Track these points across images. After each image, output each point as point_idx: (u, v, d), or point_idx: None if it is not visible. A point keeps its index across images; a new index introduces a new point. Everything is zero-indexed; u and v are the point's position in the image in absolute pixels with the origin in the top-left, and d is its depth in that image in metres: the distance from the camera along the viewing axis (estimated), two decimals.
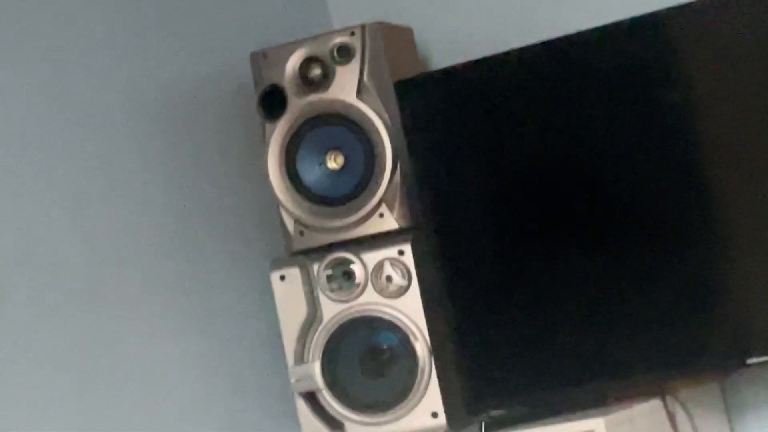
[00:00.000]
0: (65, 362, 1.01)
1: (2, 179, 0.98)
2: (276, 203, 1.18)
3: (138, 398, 1.08)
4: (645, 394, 1.12)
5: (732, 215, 1.10)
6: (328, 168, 1.16)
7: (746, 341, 1.06)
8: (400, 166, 1.13)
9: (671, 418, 1.09)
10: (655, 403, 1.10)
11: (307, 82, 1.15)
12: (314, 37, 1.17)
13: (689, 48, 1.11)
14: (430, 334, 1.11)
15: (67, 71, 1.09)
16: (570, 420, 1.07)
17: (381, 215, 1.12)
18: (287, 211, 1.15)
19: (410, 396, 1.11)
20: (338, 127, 1.14)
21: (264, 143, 1.16)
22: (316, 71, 1.15)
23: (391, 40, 1.21)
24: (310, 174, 1.16)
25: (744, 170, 1.08)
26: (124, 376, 1.07)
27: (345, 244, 1.14)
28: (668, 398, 1.10)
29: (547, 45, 1.14)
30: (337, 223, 1.14)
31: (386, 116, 1.13)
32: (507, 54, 1.15)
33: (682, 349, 1.07)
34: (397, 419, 1.12)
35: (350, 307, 1.14)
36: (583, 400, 1.12)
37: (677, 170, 1.11)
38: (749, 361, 1.04)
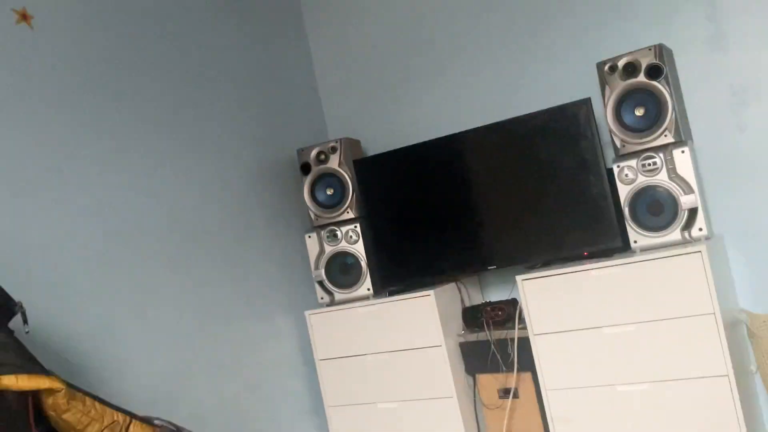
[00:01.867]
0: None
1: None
2: (308, 223, 2.88)
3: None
4: (450, 281, 2.78)
5: (487, 209, 2.79)
6: (327, 194, 2.85)
7: (488, 259, 2.73)
8: (355, 194, 2.82)
9: (460, 290, 2.77)
10: (452, 284, 2.78)
11: (318, 161, 2.85)
12: (321, 143, 2.87)
13: (481, 149, 2.82)
14: (367, 257, 2.78)
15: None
16: (421, 289, 2.71)
17: (348, 212, 2.81)
18: (311, 210, 2.84)
19: (359, 282, 2.78)
20: (331, 178, 2.83)
21: (302, 185, 2.86)
22: (322, 156, 2.84)
23: (352, 143, 2.92)
24: (320, 196, 2.84)
25: (493, 198, 2.77)
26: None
27: (334, 224, 2.82)
28: (458, 282, 2.78)
29: (431, 142, 2.77)
30: (332, 215, 2.82)
31: (351, 174, 2.82)
32: (403, 149, 2.85)
33: (464, 262, 2.75)
34: (354, 291, 2.79)
35: (334, 249, 2.81)
36: (431, 282, 2.77)
37: (476, 195, 2.80)
38: (489, 267, 2.73)
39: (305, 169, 2.82)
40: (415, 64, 3.05)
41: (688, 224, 2.23)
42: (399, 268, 2.74)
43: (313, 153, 2.82)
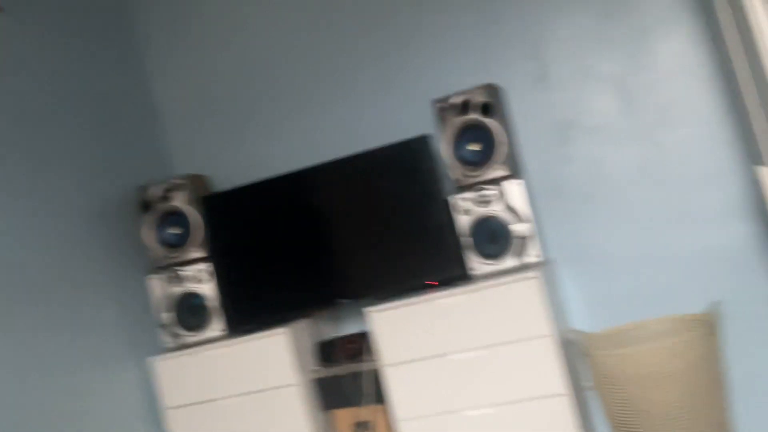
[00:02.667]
0: None
1: None
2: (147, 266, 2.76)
3: None
4: (305, 317, 2.77)
5: (336, 243, 2.81)
6: (172, 233, 2.74)
7: (340, 293, 2.74)
8: (203, 232, 2.74)
9: (314, 325, 2.76)
10: (307, 320, 2.76)
11: (162, 199, 2.73)
12: (164, 180, 2.77)
13: (328, 185, 2.83)
14: (218, 297, 2.70)
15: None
16: (275, 327, 2.67)
17: (195, 251, 2.72)
18: (154, 250, 2.72)
19: (210, 323, 2.69)
20: (177, 216, 2.72)
21: (146, 225, 2.74)
22: (166, 194, 2.74)
23: (199, 179, 2.85)
24: (165, 236, 2.72)
25: (342, 232, 2.80)
26: None
27: (180, 264, 2.72)
28: (312, 318, 2.77)
29: (279, 178, 2.74)
30: (178, 255, 2.72)
31: (198, 211, 2.74)
32: (251, 185, 2.81)
33: (317, 297, 2.74)
34: (205, 333, 2.69)
35: (182, 290, 2.71)
36: (285, 319, 2.74)
37: (324, 231, 2.81)
38: (341, 301, 2.73)
39: (145, 207, 2.71)
40: (262, 98, 3.03)
41: (523, 251, 2.36)
42: (252, 306, 2.69)
43: (156, 190, 2.72)
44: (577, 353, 2.48)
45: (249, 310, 2.69)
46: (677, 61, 2.47)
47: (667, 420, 2.17)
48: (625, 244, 2.55)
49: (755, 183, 2.36)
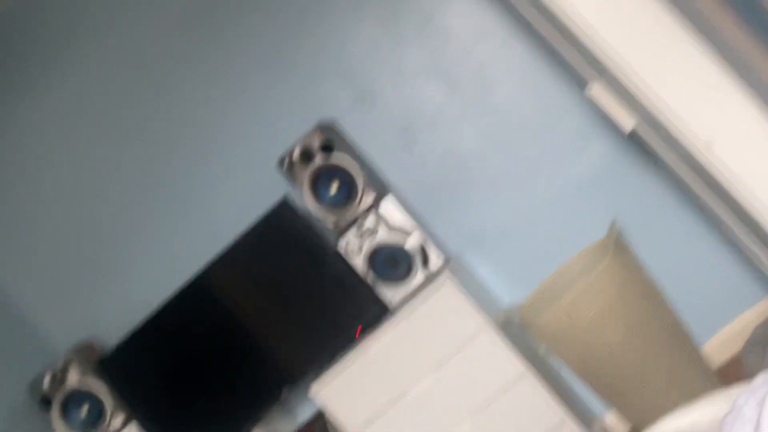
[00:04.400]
0: None
1: None
2: None
3: None
4: (257, 425, 2.59)
5: (253, 340, 2.68)
6: (82, 417, 2.53)
7: (278, 386, 2.61)
8: (115, 398, 2.53)
9: (269, 427, 2.61)
10: (260, 427, 2.61)
11: (56, 385, 2.50)
12: (50, 366, 2.54)
13: (217, 289, 2.70)
14: None
15: None
16: None
17: (113, 424, 2.51)
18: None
19: None
20: (79, 396, 2.50)
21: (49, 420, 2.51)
22: (58, 378, 2.52)
23: (87, 347, 2.63)
24: (76, 422, 2.51)
25: (254, 327, 2.68)
26: None
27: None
28: (261, 425, 2.62)
29: (166, 306, 2.56)
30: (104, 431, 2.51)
31: (99, 380, 2.54)
32: (140, 328, 2.63)
33: (258, 402, 2.60)
34: None
35: None
36: None
37: (235, 334, 2.67)
38: (282, 395, 2.60)
39: (46, 402, 2.48)
40: (108, 240, 2.87)
41: (425, 261, 2.33)
42: None
43: (46, 381, 2.49)
44: (517, 327, 2.48)
45: None
46: (470, 28, 2.55)
47: (624, 348, 2.19)
48: (508, 209, 2.59)
49: (590, 102, 2.45)
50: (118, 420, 2.48)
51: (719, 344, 2.47)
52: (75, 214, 2.89)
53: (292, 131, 2.60)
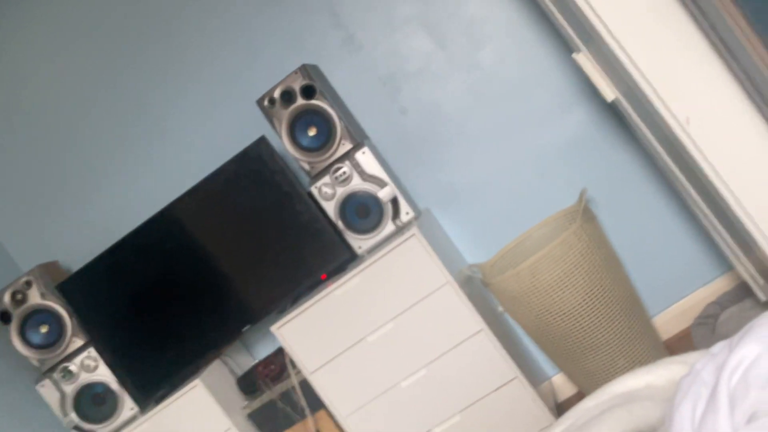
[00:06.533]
0: None
1: None
2: None
3: None
4: (214, 359, 2.64)
5: (218, 274, 2.69)
6: (42, 333, 2.53)
7: (239, 321, 2.64)
8: (74, 320, 2.54)
9: (226, 363, 2.65)
10: (217, 361, 2.65)
11: (16, 303, 2.49)
12: (11, 282, 2.52)
13: (187, 220, 2.69)
14: (117, 377, 2.51)
15: None
16: (187, 381, 2.53)
17: (73, 341, 2.51)
18: (30, 357, 2.50)
19: (119, 406, 2.51)
20: (40, 314, 2.49)
21: (8, 335, 2.50)
22: (19, 296, 2.48)
23: (49, 267, 2.62)
24: (35, 338, 2.51)
25: (219, 261, 2.68)
26: None
27: (64, 360, 2.50)
28: (221, 357, 2.66)
29: (135, 232, 2.52)
30: (57, 352, 2.51)
31: (61, 301, 2.53)
32: (107, 251, 2.61)
33: (218, 334, 2.62)
34: (117, 418, 2.52)
35: (77, 385, 2.50)
36: (195, 369, 2.61)
37: (200, 267, 2.67)
38: (243, 329, 2.63)
39: (5, 318, 2.47)
40: (86, 156, 2.82)
41: (396, 213, 2.35)
42: (155, 371, 2.53)
43: (7, 296, 2.48)
44: (479, 286, 2.53)
45: (153, 377, 2.54)
46: None
47: (579, 314, 2.26)
48: (483, 168, 2.60)
49: (577, 70, 2.46)
50: (76, 342, 2.49)
51: (670, 318, 2.56)
52: (49, 136, 2.83)
53: (276, 70, 2.57)
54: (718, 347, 0.80)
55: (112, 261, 2.52)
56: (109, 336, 2.53)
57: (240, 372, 2.65)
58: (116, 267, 2.52)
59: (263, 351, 2.78)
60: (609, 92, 2.01)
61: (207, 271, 2.51)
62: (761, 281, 2.00)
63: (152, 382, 2.53)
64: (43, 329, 2.48)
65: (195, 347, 2.54)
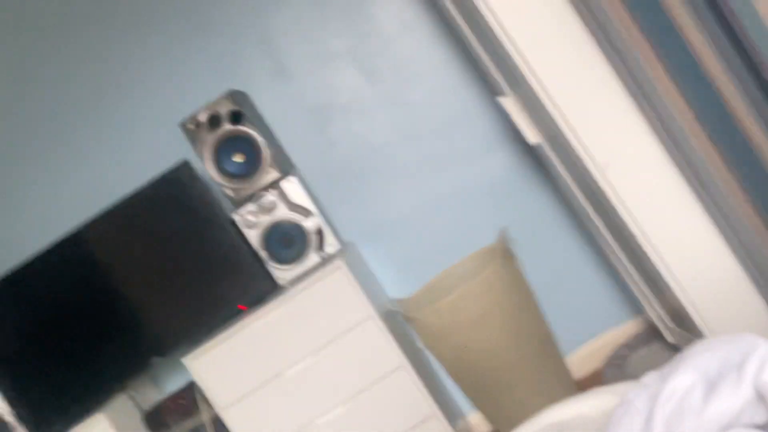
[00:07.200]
0: None
1: None
2: None
3: None
4: (120, 392, 2.48)
5: (130, 302, 2.57)
6: None
7: (148, 352, 2.52)
8: None
9: (132, 398, 2.52)
10: (123, 395, 2.50)
11: None
12: None
13: (99, 243, 2.56)
14: (13, 408, 2.34)
15: None
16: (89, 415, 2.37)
17: None
18: None
19: None
20: None
21: None
22: None
23: None
24: None
25: (132, 288, 2.56)
26: None
27: None
28: (128, 391, 2.52)
29: (40, 256, 2.35)
30: None
31: None
32: (9, 275, 2.43)
33: (124, 366, 2.48)
34: None
35: None
36: (98, 403, 2.44)
37: (111, 293, 2.54)
38: (152, 360, 2.51)
39: None
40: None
41: (321, 244, 2.33)
42: (55, 403, 2.37)
43: None
44: (401, 321, 2.53)
45: (52, 409, 2.37)
46: (397, 21, 2.56)
47: (497, 352, 2.29)
48: (407, 204, 2.63)
49: (502, 113, 2.54)
50: None
51: (582, 357, 2.63)
52: None
53: (204, 95, 2.52)
54: (650, 378, 0.82)
55: (13, 283, 2.36)
56: (5, 364, 2.35)
57: (147, 406, 2.51)
58: (18, 290, 2.36)
59: (173, 385, 2.65)
60: (532, 136, 2.08)
61: (117, 298, 2.39)
62: (671, 324, 2.09)
63: (51, 414, 2.36)
64: None
65: (99, 379, 2.40)
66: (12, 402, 2.33)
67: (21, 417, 2.33)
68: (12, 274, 2.36)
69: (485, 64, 2.16)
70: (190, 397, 2.38)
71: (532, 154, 2.56)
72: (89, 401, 2.39)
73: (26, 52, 2.62)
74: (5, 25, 2.62)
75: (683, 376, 0.73)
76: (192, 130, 2.29)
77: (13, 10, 2.61)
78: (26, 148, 2.65)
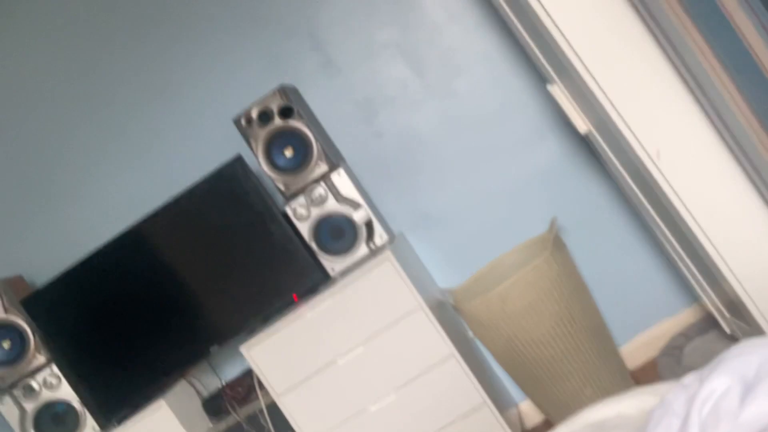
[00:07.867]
0: None
1: None
2: None
3: None
4: (180, 380, 2.59)
5: (188, 294, 2.66)
6: (4, 349, 2.47)
7: (207, 342, 2.61)
8: (37, 336, 2.48)
9: (192, 384, 2.61)
10: (183, 382, 2.60)
11: None
12: None
13: (159, 237, 2.65)
14: (79, 396, 2.46)
15: None
16: (151, 402, 2.47)
17: (35, 358, 2.46)
18: None
19: (79, 427, 2.46)
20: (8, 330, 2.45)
21: None
22: None
23: (14, 282, 2.57)
24: None
25: (189, 280, 2.64)
26: None
27: (26, 377, 2.45)
28: (187, 377, 2.62)
29: (103, 249, 2.46)
30: (18, 369, 2.45)
31: (24, 317, 2.48)
32: (74, 268, 2.53)
33: (184, 354, 2.58)
34: None
35: (38, 403, 2.44)
36: (159, 390, 2.55)
37: (169, 286, 2.63)
38: (210, 349, 2.60)
39: None
40: (53, 175, 2.78)
41: (370, 236, 2.36)
42: (118, 391, 2.48)
43: None
44: (450, 310, 2.54)
45: (116, 396, 2.48)
46: (444, 10, 2.56)
47: (548, 342, 2.28)
48: (456, 194, 2.63)
49: (552, 101, 2.51)
50: (39, 359, 2.43)
51: (636, 348, 2.59)
52: (15, 147, 2.79)
53: (255, 91, 2.57)
54: (689, 379, 0.82)
55: (78, 277, 2.47)
56: (72, 354, 2.47)
57: (206, 393, 2.61)
58: (82, 284, 2.47)
59: (231, 372, 2.74)
60: (582, 124, 2.05)
61: (176, 290, 2.48)
62: (727, 314, 2.04)
63: (115, 401, 2.48)
64: (6, 345, 2.42)
65: (160, 367, 2.49)
66: (78, 390, 2.45)
67: (87, 404, 2.45)
68: (76, 267, 2.47)
69: (533, 51, 2.14)
70: (247, 385, 2.46)
71: (583, 143, 2.53)
72: (151, 389, 2.50)
73: (94, 52, 2.72)
74: (77, 27, 2.72)
75: (720, 379, 0.73)
76: (244, 126, 2.34)
77: (86, 12, 2.71)
78: (90, 146, 2.76)
